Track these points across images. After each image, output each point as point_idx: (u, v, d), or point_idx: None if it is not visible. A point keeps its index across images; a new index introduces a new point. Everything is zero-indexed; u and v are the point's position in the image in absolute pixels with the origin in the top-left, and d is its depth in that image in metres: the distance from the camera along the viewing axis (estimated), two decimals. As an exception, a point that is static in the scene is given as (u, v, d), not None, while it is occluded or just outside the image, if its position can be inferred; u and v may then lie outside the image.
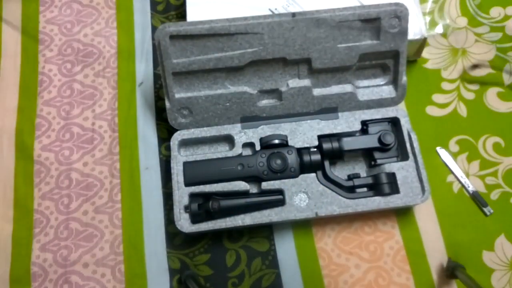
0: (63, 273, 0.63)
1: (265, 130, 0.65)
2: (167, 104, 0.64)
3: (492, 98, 0.71)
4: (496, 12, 0.75)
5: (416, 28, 0.66)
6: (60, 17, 0.78)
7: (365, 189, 0.63)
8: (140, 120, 0.71)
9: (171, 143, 0.65)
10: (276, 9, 0.68)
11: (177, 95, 0.64)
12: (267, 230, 0.65)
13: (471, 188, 0.65)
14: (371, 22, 0.61)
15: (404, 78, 0.65)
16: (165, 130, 0.69)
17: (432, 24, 0.75)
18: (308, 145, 0.64)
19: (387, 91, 0.66)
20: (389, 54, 0.63)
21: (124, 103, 0.72)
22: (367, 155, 0.66)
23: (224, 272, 0.63)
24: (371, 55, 0.63)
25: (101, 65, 0.75)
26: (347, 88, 0.65)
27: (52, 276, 0.63)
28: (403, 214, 0.65)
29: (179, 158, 0.64)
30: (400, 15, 0.61)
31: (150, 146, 0.70)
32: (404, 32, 0.62)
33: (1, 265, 0.64)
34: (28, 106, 0.72)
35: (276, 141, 0.63)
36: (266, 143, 0.64)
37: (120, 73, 0.74)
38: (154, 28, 0.77)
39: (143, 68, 0.75)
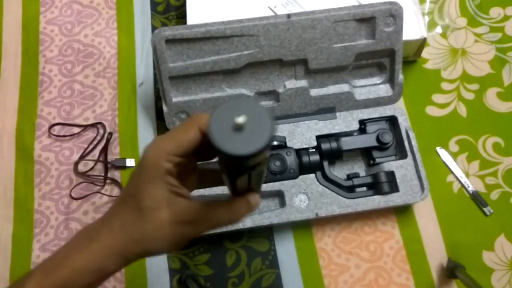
0: (63, 273, 0.63)
1: (263, 131, 0.65)
2: (165, 108, 0.65)
3: (492, 98, 0.70)
4: (495, 12, 0.75)
5: (415, 28, 0.66)
6: (60, 18, 0.78)
7: (364, 188, 0.63)
8: (140, 121, 0.71)
9: (170, 145, 0.65)
10: (275, 7, 0.68)
11: (174, 99, 0.64)
12: (267, 230, 0.65)
13: (471, 188, 0.65)
14: (366, 21, 0.61)
15: (400, 77, 0.65)
16: (165, 131, 0.70)
17: (432, 24, 0.75)
18: (306, 146, 0.64)
19: (384, 90, 0.66)
20: (385, 52, 0.64)
21: (124, 104, 0.72)
22: (366, 154, 0.66)
23: (224, 272, 0.63)
24: (367, 54, 0.63)
25: (101, 65, 0.75)
26: (344, 87, 0.65)
27: (52, 276, 0.63)
28: (403, 214, 0.65)
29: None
30: (395, 14, 0.61)
31: (150, 147, 0.70)
32: (399, 30, 0.62)
33: (1, 265, 0.64)
34: (29, 106, 0.72)
35: (275, 143, 0.63)
36: (265, 144, 0.64)
37: (120, 74, 0.74)
38: (154, 29, 0.77)
39: (143, 69, 0.75)
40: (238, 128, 0.27)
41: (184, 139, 0.33)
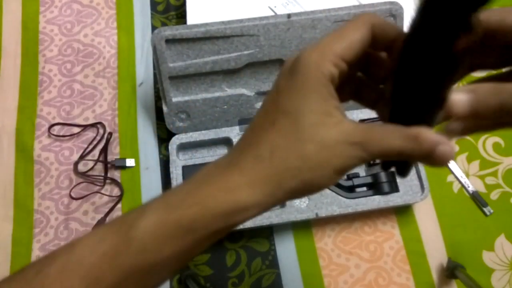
0: (63, 273, 0.63)
1: (263, 131, 0.65)
2: (164, 108, 0.65)
3: (492, 98, 0.70)
4: (496, 12, 0.75)
5: (415, 28, 0.66)
6: (60, 17, 0.78)
7: (364, 188, 0.63)
8: (140, 121, 0.71)
9: (170, 147, 0.65)
10: (275, 6, 0.68)
11: (174, 99, 0.64)
12: (267, 230, 0.65)
13: (471, 188, 0.65)
14: (366, 21, 0.61)
15: (401, 77, 0.65)
16: (165, 130, 0.69)
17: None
18: (307, 146, 0.64)
19: (384, 90, 0.66)
20: (386, 53, 0.64)
21: (124, 103, 0.72)
22: (366, 154, 0.66)
23: (224, 272, 0.63)
24: (367, 54, 0.63)
25: (101, 65, 0.75)
26: (344, 87, 0.65)
27: (52, 276, 0.63)
28: (403, 214, 0.65)
29: (178, 162, 0.64)
30: (395, 14, 0.61)
31: (150, 146, 0.70)
32: (399, 30, 0.62)
33: (1, 265, 0.64)
34: (28, 106, 0.72)
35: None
36: (265, 144, 0.64)
37: (120, 73, 0.74)
38: (154, 29, 0.77)
39: (143, 69, 0.75)
40: None
41: (354, 38, 0.27)
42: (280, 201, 0.28)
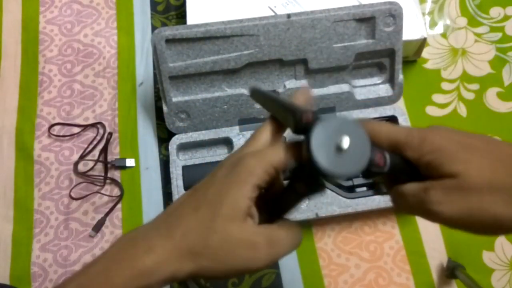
0: (63, 273, 0.63)
1: (263, 131, 0.65)
2: (165, 108, 0.65)
3: (492, 98, 0.70)
4: (495, 12, 0.75)
5: (416, 28, 0.66)
6: (60, 18, 0.78)
7: (364, 188, 0.63)
8: (140, 120, 0.71)
9: (170, 147, 0.65)
10: (275, 6, 0.68)
11: (174, 99, 0.64)
12: (267, 230, 0.65)
13: (471, 188, 0.65)
14: (366, 21, 0.61)
15: (400, 77, 0.65)
16: (165, 130, 0.70)
17: (432, 24, 0.75)
18: (307, 145, 0.64)
19: (384, 90, 0.66)
20: (385, 52, 0.64)
21: (124, 103, 0.72)
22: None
23: (224, 272, 0.63)
24: (367, 54, 0.63)
25: (101, 65, 0.75)
26: (344, 87, 0.65)
27: (52, 276, 0.63)
28: (403, 214, 0.65)
29: (178, 162, 0.64)
30: (394, 14, 0.61)
31: (150, 146, 0.70)
32: (399, 30, 0.62)
33: (1, 265, 0.64)
34: (28, 106, 0.72)
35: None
36: (265, 144, 0.64)
37: (120, 74, 0.74)
38: (154, 29, 0.77)
39: (143, 69, 0.75)
40: (340, 149, 0.28)
41: (287, 155, 0.32)
42: (178, 279, 0.31)
